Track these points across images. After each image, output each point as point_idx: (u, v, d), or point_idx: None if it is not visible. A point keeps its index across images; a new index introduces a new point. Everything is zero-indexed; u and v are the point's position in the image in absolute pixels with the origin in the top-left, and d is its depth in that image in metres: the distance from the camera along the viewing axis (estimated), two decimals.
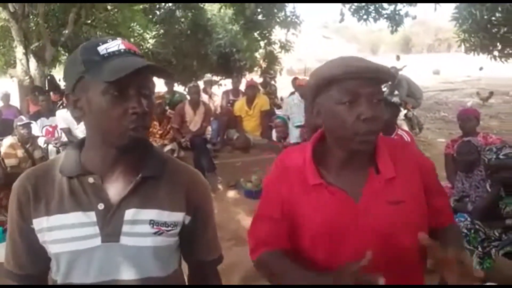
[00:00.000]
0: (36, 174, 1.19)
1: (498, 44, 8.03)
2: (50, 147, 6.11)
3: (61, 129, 6.25)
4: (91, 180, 1.14)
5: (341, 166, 1.28)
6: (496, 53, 8.28)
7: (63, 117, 6.18)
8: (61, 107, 7.78)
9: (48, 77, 9.36)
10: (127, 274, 1.14)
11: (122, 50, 1.09)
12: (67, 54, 10.17)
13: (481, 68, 17.78)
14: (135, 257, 1.14)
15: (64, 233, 1.12)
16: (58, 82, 9.52)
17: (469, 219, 3.43)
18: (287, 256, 1.32)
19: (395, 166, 1.27)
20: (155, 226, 1.15)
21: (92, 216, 1.12)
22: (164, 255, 1.19)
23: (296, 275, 1.24)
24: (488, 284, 2.75)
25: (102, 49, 1.08)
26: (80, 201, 1.13)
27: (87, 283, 1.13)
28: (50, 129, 6.50)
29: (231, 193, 5.95)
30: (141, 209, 1.14)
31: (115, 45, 1.10)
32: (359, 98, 1.18)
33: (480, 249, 3.20)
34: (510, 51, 8.22)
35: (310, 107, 1.30)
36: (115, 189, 1.15)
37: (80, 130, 6.08)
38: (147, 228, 1.14)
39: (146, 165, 1.18)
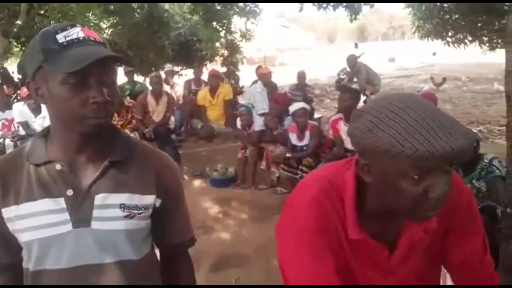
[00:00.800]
0: (3, 163, 1.19)
1: (450, 30, 8.34)
2: (7, 141, 5.94)
3: (18, 122, 6.09)
4: (58, 167, 1.13)
5: (381, 219, 1.10)
6: (448, 39, 8.60)
7: (20, 110, 6.02)
8: (15, 100, 7.53)
9: (1, 70, 9.00)
10: (100, 258, 1.15)
11: (81, 38, 1.07)
12: (19, 46, 9.78)
13: (434, 53, 18.38)
14: (107, 241, 1.15)
15: (34, 220, 1.12)
16: (11, 74, 9.17)
17: None
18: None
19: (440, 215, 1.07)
20: (126, 210, 1.15)
21: (61, 202, 1.12)
22: (137, 238, 1.20)
23: None
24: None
25: (60, 37, 1.06)
26: (49, 188, 1.13)
27: (60, 268, 1.14)
28: (6, 123, 6.30)
29: (197, 182, 5.96)
30: (111, 194, 1.15)
31: (74, 32, 1.08)
32: (431, 171, 0.94)
33: None
34: (462, 37, 8.56)
35: (358, 156, 1.04)
36: (83, 174, 1.15)
37: (37, 124, 5.93)
38: (118, 212, 1.14)
39: (114, 149, 1.18)
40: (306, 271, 1.08)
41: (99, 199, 1.13)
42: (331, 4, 8.54)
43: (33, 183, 1.13)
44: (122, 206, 1.15)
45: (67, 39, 1.06)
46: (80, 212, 1.12)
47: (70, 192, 1.12)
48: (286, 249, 1.12)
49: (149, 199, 1.20)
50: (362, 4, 8.80)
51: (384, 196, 1.02)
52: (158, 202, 1.22)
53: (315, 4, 8.68)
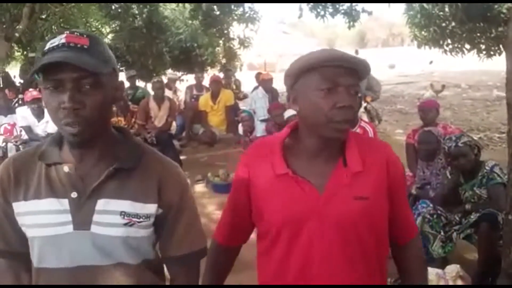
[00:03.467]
0: (20, 159, 1.23)
1: (447, 38, 8.38)
2: (10, 145, 5.94)
3: (21, 127, 6.08)
4: (66, 168, 1.16)
5: (310, 156, 1.28)
6: (446, 47, 8.64)
7: (23, 115, 6.01)
8: (16, 104, 7.55)
9: (2, 74, 9.01)
10: (98, 260, 1.17)
11: (60, 45, 1.09)
12: (21, 50, 9.81)
13: (431, 62, 18.42)
14: (105, 245, 1.17)
15: (38, 218, 1.15)
16: (13, 79, 9.18)
17: (431, 205, 3.60)
18: (224, 255, 1.50)
19: (364, 162, 1.27)
20: (126, 217, 1.16)
21: (65, 203, 1.15)
22: (136, 245, 1.20)
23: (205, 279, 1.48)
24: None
25: (48, 45, 1.11)
26: (56, 188, 1.16)
27: (59, 267, 1.16)
28: (9, 127, 6.31)
29: (199, 188, 5.97)
30: (112, 200, 1.16)
31: (57, 39, 1.11)
32: (338, 87, 1.19)
33: (442, 233, 3.37)
34: (459, 46, 8.60)
35: (288, 95, 1.32)
36: (90, 178, 1.17)
37: (40, 128, 5.95)
38: (117, 218, 1.16)
39: (121, 154, 1.20)
40: (221, 220, 1.47)
41: (100, 204, 1.16)
42: (329, 11, 8.60)
43: (42, 182, 1.17)
44: (123, 214, 1.16)
45: (50, 46, 1.10)
46: (82, 215, 1.15)
47: (74, 194, 1.15)
48: None
49: (151, 208, 1.20)
50: (360, 11, 8.86)
51: (305, 117, 1.26)
52: (159, 212, 1.21)
53: (313, 11, 8.74)
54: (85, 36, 1.13)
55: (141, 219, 1.18)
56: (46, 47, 1.11)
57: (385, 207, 1.30)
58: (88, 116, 1.10)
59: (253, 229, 1.44)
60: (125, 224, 1.16)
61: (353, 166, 1.26)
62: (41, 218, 1.15)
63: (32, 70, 1.11)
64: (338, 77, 1.20)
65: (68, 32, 1.13)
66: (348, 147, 1.28)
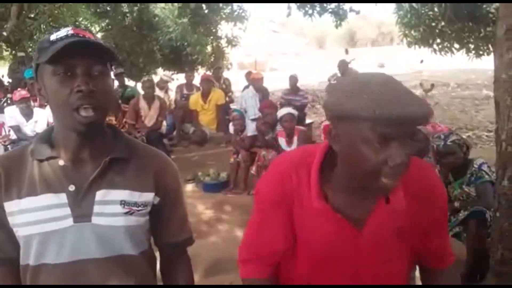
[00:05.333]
0: (8, 159, 1.23)
1: (437, 37, 8.45)
2: None
3: (9, 127, 6.03)
4: (61, 162, 1.17)
5: (349, 191, 1.17)
6: (435, 46, 8.71)
7: (11, 114, 5.97)
8: (4, 104, 7.47)
9: None
10: (100, 252, 1.17)
11: (69, 34, 1.12)
12: (9, 49, 9.72)
13: (421, 61, 18.51)
14: (107, 236, 1.18)
15: (36, 215, 1.14)
16: (1, 78, 9.09)
17: None
18: None
19: (406, 193, 1.15)
20: (126, 206, 1.19)
21: (63, 197, 1.15)
22: (136, 234, 1.23)
23: None
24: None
25: (53, 36, 1.13)
26: (51, 183, 1.16)
27: (60, 262, 1.16)
28: None
29: (189, 187, 5.97)
30: (111, 190, 1.18)
31: (64, 31, 1.14)
32: (391, 142, 1.02)
33: None
34: (448, 45, 8.68)
35: (330, 125, 1.13)
36: (85, 171, 1.18)
37: (29, 128, 5.91)
38: (118, 208, 1.18)
39: (114, 147, 1.22)
40: (251, 236, 1.32)
41: (100, 195, 1.17)
42: (317, 10, 8.63)
43: (36, 178, 1.16)
44: (122, 203, 1.19)
45: (57, 36, 1.12)
46: (81, 207, 1.15)
47: (72, 188, 1.16)
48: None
49: (148, 196, 1.23)
50: (348, 10, 8.91)
51: (349, 164, 1.10)
52: (156, 200, 1.25)
53: (301, 10, 8.77)
54: (87, 31, 1.19)
55: (140, 208, 1.21)
56: (53, 38, 1.13)
57: (419, 237, 1.24)
58: (101, 100, 1.13)
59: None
60: (126, 213, 1.19)
61: (396, 203, 1.15)
62: (39, 214, 1.14)
63: (40, 58, 1.12)
64: (394, 133, 1.01)
65: (73, 26, 1.16)
66: None
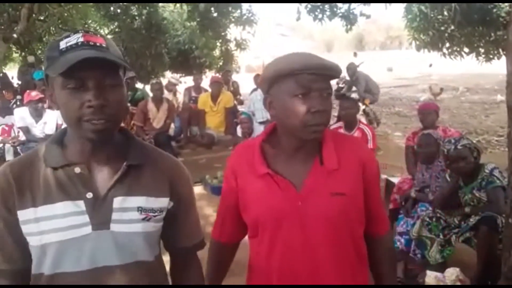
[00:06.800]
0: (20, 165, 1.19)
1: (446, 41, 8.39)
2: (7, 146, 5.92)
3: (19, 128, 6.07)
4: (77, 170, 1.15)
5: (288, 156, 1.36)
6: (445, 50, 8.65)
7: (21, 115, 5.99)
8: (14, 105, 7.53)
9: (0, 75, 8.99)
10: (118, 259, 1.16)
11: (79, 43, 1.10)
12: (19, 51, 9.80)
13: (430, 65, 18.47)
14: (126, 243, 1.17)
15: (53, 223, 1.12)
16: (11, 80, 9.17)
17: (430, 208, 3.60)
18: (223, 252, 1.57)
19: (340, 159, 1.34)
20: (143, 213, 1.18)
21: (81, 205, 1.13)
22: (152, 239, 1.24)
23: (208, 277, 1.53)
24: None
25: (62, 44, 1.10)
26: (68, 191, 1.14)
27: (79, 271, 1.14)
28: (6, 128, 6.30)
29: (197, 190, 5.95)
30: (128, 197, 1.17)
31: (74, 38, 1.11)
32: (311, 92, 1.26)
33: (441, 236, 3.37)
34: (458, 49, 8.61)
35: (264, 98, 1.38)
36: (101, 178, 1.17)
37: (38, 129, 5.94)
38: (136, 214, 1.17)
39: (130, 153, 1.21)
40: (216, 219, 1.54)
41: (117, 202, 1.16)
42: (327, 14, 8.58)
43: (51, 186, 1.14)
44: (140, 209, 1.18)
45: (67, 45, 1.10)
46: (100, 215, 1.14)
47: (89, 195, 1.14)
48: None
49: (164, 202, 1.23)
50: (358, 14, 8.86)
51: (283, 122, 1.32)
52: (171, 205, 1.26)
53: (311, 14, 8.73)
54: (99, 35, 1.15)
55: (156, 213, 1.21)
56: (63, 46, 1.10)
57: (361, 203, 1.37)
58: (113, 113, 1.12)
59: (245, 228, 1.49)
60: (143, 219, 1.18)
61: (329, 164, 1.33)
62: (57, 222, 1.12)
63: (50, 69, 1.10)
64: (312, 83, 1.26)
65: (83, 31, 1.13)
66: (324, 146, 1.35)
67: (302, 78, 1.25)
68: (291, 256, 1.33)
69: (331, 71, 1.29)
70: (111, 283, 1.16)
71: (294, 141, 1.33)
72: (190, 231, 1.35)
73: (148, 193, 1.20)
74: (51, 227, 1.12)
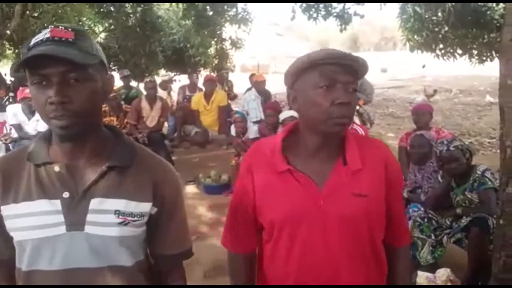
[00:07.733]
0: (8, 161, 1.20)
1: (440, 43, 8.42)
2: None
3: (11, 125, 6.03)
4: (56, 168, 1.14)
5: (310, 154, 1.31)
6: (438, 51, 8.68)
7: (13, 112, 5.96)
8: (7, 102, 7.48)
9: None
10: (92, 262, 1.14)
11: (44, 39, 1.08)
12: (12, 48, 9.73)
13: (423, 66, 18.55)
14: (100, 246, 1.14)
15: (30, 220, 1.12)
16: (3, 77, 9.09)
17: (422, 209, 3.62)
18: (246, 264, 1.47)
19: (363, 160, 1.30)
20: (120, 216, 1.15)
21: (57, 204, 1.12)
22: (130, 244, 1.20)
23: None
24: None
25: (33, 40, 1.10)
26: (46, 189, 1.13)
27: (52, 270, 1.14)
28: None
29: (190, 189, 5.95)
30: (106, 199, 1.14)
31: (42, 34, 1.10)
32: (336, 84, 1.22)
33: (433, 237, 3.38)
34: (451, 50, 8.65)
35: (288, 94, 1.36)
36: (81, 178, 1.15)
37: (31, 126, 5.89)
38: (112, 218, 1.14)
39: (113, 154, 1.18)
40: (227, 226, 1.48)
41: (94, 203, 1.13)
42: (322, 14, 8.60)
43: (32, 183, 1.14)
44: (117, 212, 1.15)
45: (35, 41, 1.09)
46: (75, 216, 1.12)
47: (66, 195, 1.13)
48: None
49: (145, 207, 1.19)
50: (352, 14, 8.88)
51: (306, 116, 1.29)
52: (153, 211, 1.21)
53: (306, 13, 8.74)
54: (70, 29, 1.11)
55: (136, 218, 1.17)
56: (32, 42, 1.09)
57: (383, 205, 1.33)
58: (76, 110, 1.08)
59: (256, 234, 1.44)
60: (120, 223, 1.15)
61: (353, 164, 1.29)
62: (33, 220, 1.12)
63: (16, 65, 1.09)
64: (336, 75, 1.22)
65: (53, 26, 1.11)
66: (347, 146, 1.32)
67: (325, 69, 1.22)
68: (311, 258, 1.29)
69: (354, 62, 1.25)
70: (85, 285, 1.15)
71: (316, 138, 1.29)
72: (175, 238, 1.29)
73: (129, 197, 1.16)
74: (28, 224, 1.12)
